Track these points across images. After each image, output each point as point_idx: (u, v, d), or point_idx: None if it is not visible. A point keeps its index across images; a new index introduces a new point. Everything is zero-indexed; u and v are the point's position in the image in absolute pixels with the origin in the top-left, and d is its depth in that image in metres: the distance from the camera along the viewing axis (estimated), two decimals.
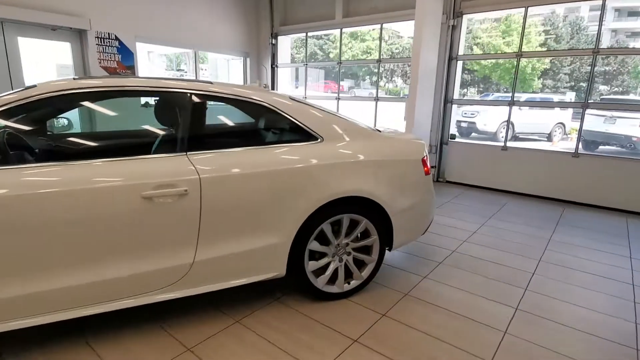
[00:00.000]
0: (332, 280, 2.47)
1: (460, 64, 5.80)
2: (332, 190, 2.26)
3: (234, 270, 2.13)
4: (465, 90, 25.29)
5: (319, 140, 2.34)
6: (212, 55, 8.91)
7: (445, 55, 5.65)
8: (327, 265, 2.43)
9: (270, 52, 8.01)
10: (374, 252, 2.55)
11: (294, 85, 7.74)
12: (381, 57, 6.57)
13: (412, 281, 2.77)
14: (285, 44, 8.12)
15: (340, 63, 7.08)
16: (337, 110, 7.22)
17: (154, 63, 12.11)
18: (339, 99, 7.11)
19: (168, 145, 2.04)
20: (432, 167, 5.98)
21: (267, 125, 2.44)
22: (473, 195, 5.33)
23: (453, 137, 5.91)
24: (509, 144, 5.44)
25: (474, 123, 12.37)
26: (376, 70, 6.88)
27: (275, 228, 2.16)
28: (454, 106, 5.90)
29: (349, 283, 2.53)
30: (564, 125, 12.47)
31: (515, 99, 5.47)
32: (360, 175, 2.36)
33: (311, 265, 2.36)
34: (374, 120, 6.67)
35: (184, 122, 2.07)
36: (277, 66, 8.09)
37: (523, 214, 4.51)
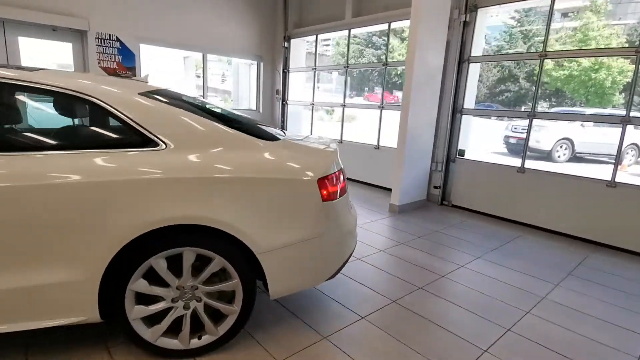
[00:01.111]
0: (178, 331, 1.87)
1: (475, 67, 4.86)
2: (160, 214, 1.67)
3: (12, 312, 1.62)
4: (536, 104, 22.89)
5: (160, 147, 1.77)
6: (235, 60, 8.76)
7: (455, 57, 4.76)
8: (167, 312, 1.84)
9: (282, 56, 7.60)
10: (236, 300, 1.90)
11: (311, 90, 7.16)
12: (388, 60, 5.81)
13: (302, 341, 2.06)
14: (300, 47, 7.66)
15: (347, 67, 6.43)
16: (342, 119, 6.55)
17: (188, 67, 12.35)
18: (344, 106, 6.45)
19: None
20: (435, 187, 5.08)
21: (92, 125, 1.92)
22: (477, 224, 4.35)
23: (462, 153, 4.96)
24: (530, 164, 4.39)
25: (524, 140, 10.87)
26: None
27: (70, 260, 1.62)
28: (467, 117, 4.96)
29: (199, 338, 1.90)
30: (637, 147, 10.47)
31: (539, 112, 4.40)
32: (209, 197, 1.74)
33: (137, 312, 1.78)
34: (378, 131, 5.90)
35: None
36: (288, 71, 7.65)
37: (529, 255, 3.50)
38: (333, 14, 6.60)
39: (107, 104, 1.74)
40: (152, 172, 1.68)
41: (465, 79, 4.81)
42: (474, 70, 4.87)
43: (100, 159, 1.67)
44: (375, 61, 22.87)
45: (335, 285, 2.69)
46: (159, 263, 1.75)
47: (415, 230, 4.03)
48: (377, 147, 5.89)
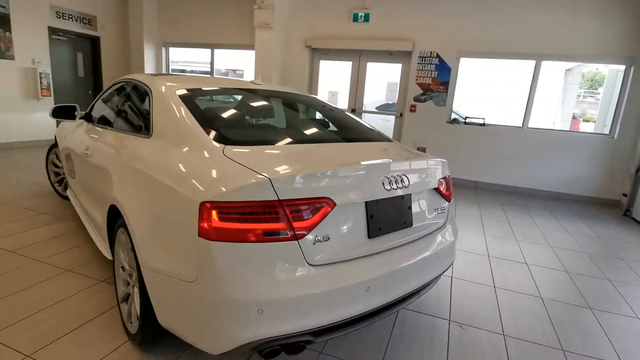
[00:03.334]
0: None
1: None
2: (109, 192, 1.92)
3: None
4: None
5: (149, 135, 1.93)
6: (612, 67, 6.47)
7: None
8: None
9: None
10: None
11: None
12: None
13: None
14: None
15: None
16: None
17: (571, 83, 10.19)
18: None
19: None
20: None
21: (144, 111, 2.25)
22: None
23: None
24: None
25: None
26: None
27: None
28: None
29: (131, 323, 1.90)
30: None
31: None
32: (124, 183, 1.78)
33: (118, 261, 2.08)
34: None
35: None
36: None
37: None
38: None
39: (151, 95, 2.09)
40: (113, 155, 1.93)
41: None
42: None
43: (121, 137, 2.11)
44: None
45: None
46: (120, 234, 1.94)
47: None
48: None
